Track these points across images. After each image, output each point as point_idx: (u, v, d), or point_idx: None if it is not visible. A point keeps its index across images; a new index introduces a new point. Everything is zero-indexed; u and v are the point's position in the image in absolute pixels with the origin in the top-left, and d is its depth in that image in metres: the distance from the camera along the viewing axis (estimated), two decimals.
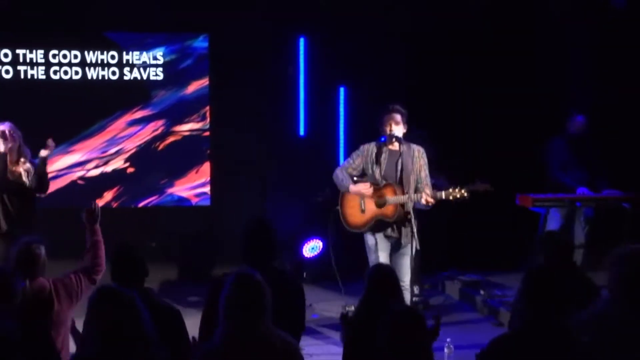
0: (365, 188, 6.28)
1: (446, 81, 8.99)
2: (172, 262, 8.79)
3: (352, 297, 7.35)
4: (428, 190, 6.20)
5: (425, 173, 6.32)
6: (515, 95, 8.92)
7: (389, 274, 4.53)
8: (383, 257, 6.26)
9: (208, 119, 8.80)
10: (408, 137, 6.39)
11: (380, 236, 6.29)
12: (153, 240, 8.65)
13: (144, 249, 7.94)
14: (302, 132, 8.99)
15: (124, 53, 8.57)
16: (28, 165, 6.50)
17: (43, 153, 6.54)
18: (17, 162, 6.45)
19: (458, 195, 6.11)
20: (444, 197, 6.13)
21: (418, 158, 6.31)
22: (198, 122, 8.79)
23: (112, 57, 8.56)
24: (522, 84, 8.94)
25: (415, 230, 6.06)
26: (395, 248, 6.35)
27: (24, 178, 6.43)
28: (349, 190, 6.32)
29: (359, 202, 6.35)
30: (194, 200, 8.86)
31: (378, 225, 6.30)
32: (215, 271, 8.64)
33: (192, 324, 4.46)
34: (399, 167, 6.24)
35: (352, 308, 7.17)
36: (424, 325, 3.49)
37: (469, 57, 8.99)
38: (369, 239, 6.37)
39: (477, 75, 8.98)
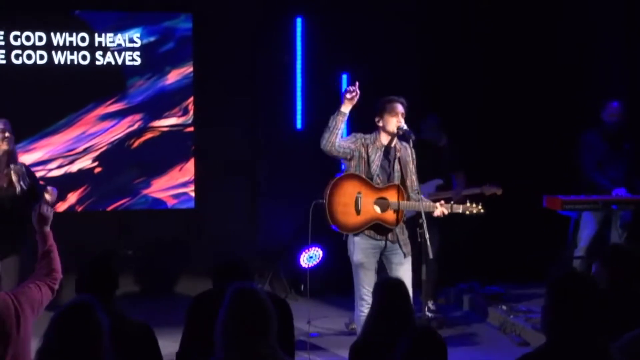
0: (353, 88, 6.12)
1: (459, 68, 8.96)
2: (150, 272, 8.75)
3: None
4: (420, 196, 6.20)
5: (415, 176, 6.29)
6: (538, 84, 8.92)
7: (398, 289, 4.45)
8: (371, 275, 6.11)
9: (191, 113, 8.75)
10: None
11: (369, 249, 6.14)
12: (128, 248, 8.64)
13: (118, 257, 8.06)
14: (299, 125, 8.97)
15: (96, 34, 8.50)
16: (19, 168, 6.31)
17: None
18: (7, 166, 6.28)
19: (475, 212, 6.39)
20: (460, 211, 6.33)
21: (410, 158, 6.28)
22: (180, 116, 8.75)
23: (83, 39, 8.48)
24: (545, 70, 8.93)
25: (427, 237, 5.99)
26: (391, 258, 6.21)
27: (15, 183, 6.25)
28: (343, 110, 6.13)
29: (355, 199, 6.17)
30: (171, 203, 8.80)
31: (373, 230, 6.18)
32: (200, 283, 8.59)
33: (172, 342, 4.38)
34: (397, 167, 6.19)
35: (356, 325, 7.14)
36: (444, 351, 3.46)
37: (485, 39, 8.98)
38: (357, 252, 6.17)
39: (494, 61, 8.97)
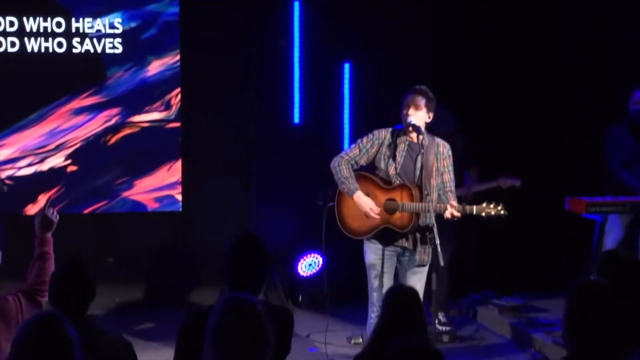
0: (373, 209, 6.15)
1: (475, 56, 8.96)
2: (133, 282, 8.74)
3: (358, 326, 7.33)
4: (454, 200, 6.14)
5: (449, 176, 6.26)
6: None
7: (411, 299, 4.42)
8: (386, 279, 6.20)
9: (174, 107, 8.72)
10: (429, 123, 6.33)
11: (384, 250, 6.20)
12: (108, 255, 8.61)
13: (98, 265, 8.02)
14: (297, 119, 8.93)
15: (73, 20, 8.44)
16: None
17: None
18: None
19: (493, 213, 6.06)
20: (475, 212, 6.06)
21: (442, 156, 6.24)
22: (162, 111, 8.70)
23: (58, 24, 8.41)
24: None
25: (438, 242, 5.97)
26: (405, 264, 6.28)
27: None
28: (354, 196, 6.21)
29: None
30: (152, 206, 8.75)
31: (384, 235, 6.21)
32: (188, 294, 8.67)
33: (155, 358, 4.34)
34: (419, 165, 6.15)
35: (360, 340, 7.28)
36: None
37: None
38: (370, 253, 6.29)
39: (513, 48, 8.95)
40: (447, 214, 6.01)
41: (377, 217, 6.12)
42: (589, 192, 7.46)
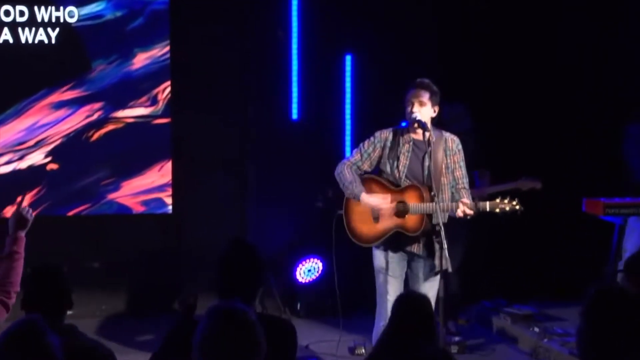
0: (383, 201, 6.10)
1: (485, 48, 8.94)
2: (121, 289, 8.73)
3: (361, 335, 7.41)
4: (466, 198, 6.08)
5: (461, 172, 6.22)
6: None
7: (421, 305, 4.45)
8: (396, 284, 6.18)
9: (161, 103, 8.70)
10: (438, 119, 6.29)
11: (393, 255, 6.20)
12: (95, 260, 8.60)
13: (84, 270, 7.93)
14: (295, 115, 8.90)
15: (53, 8, 8.42)
16: None
17: None
18: None
19: (508, 208, 6.00)
20: (488, 209, 6.01)
21: (452, 151, 6.20)
22: (148, 106, 8.68)
23: (38, 13, 8.39)
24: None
25: (445, 246, 5.92)
26: (417, 270, 6.24)
27: None
28: (360, 199, 6.16)
29: (371, 208, 6.21)
30: (138, 209, 8.73)
31: (395, 240, 6.18)
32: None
33: None
34: (426, 164, 6.11)
35: (363, 350, 7.34)
36: None
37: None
38: (378, 256, 6.27)
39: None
40: (459, 212, 5.95)
41: (391, 204, 6.06)
42: (608, 193, 7.42)
